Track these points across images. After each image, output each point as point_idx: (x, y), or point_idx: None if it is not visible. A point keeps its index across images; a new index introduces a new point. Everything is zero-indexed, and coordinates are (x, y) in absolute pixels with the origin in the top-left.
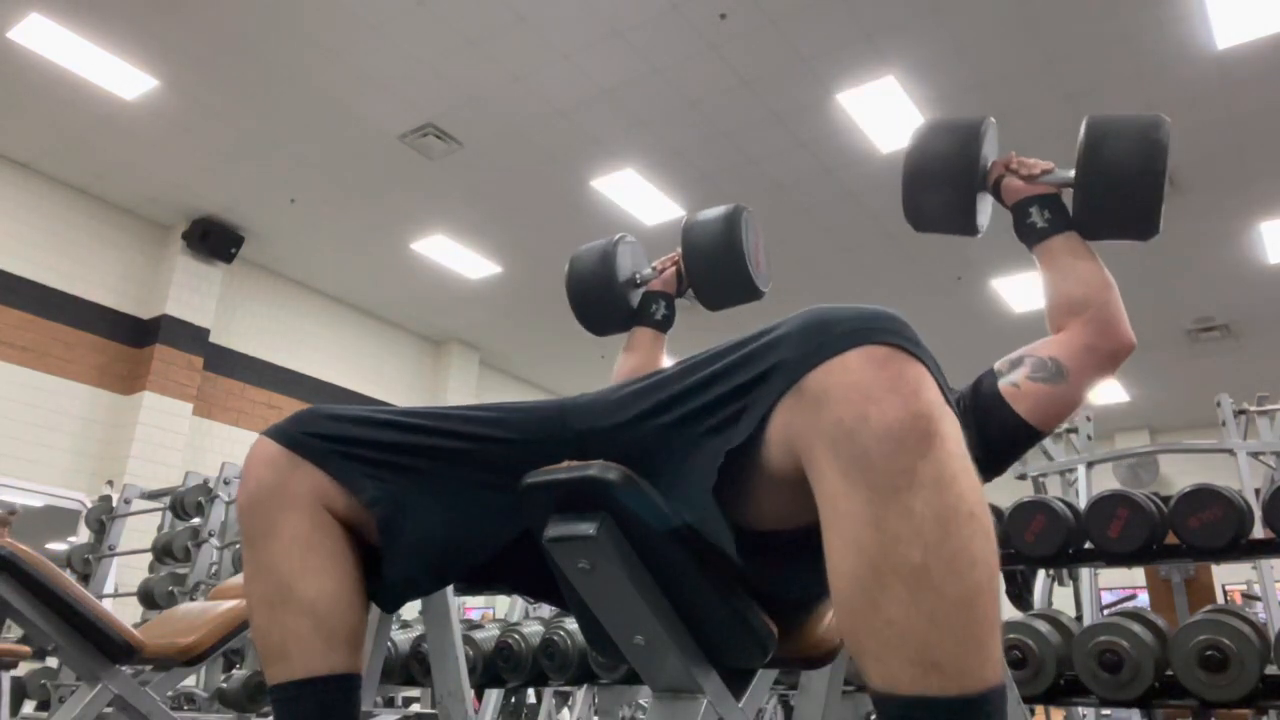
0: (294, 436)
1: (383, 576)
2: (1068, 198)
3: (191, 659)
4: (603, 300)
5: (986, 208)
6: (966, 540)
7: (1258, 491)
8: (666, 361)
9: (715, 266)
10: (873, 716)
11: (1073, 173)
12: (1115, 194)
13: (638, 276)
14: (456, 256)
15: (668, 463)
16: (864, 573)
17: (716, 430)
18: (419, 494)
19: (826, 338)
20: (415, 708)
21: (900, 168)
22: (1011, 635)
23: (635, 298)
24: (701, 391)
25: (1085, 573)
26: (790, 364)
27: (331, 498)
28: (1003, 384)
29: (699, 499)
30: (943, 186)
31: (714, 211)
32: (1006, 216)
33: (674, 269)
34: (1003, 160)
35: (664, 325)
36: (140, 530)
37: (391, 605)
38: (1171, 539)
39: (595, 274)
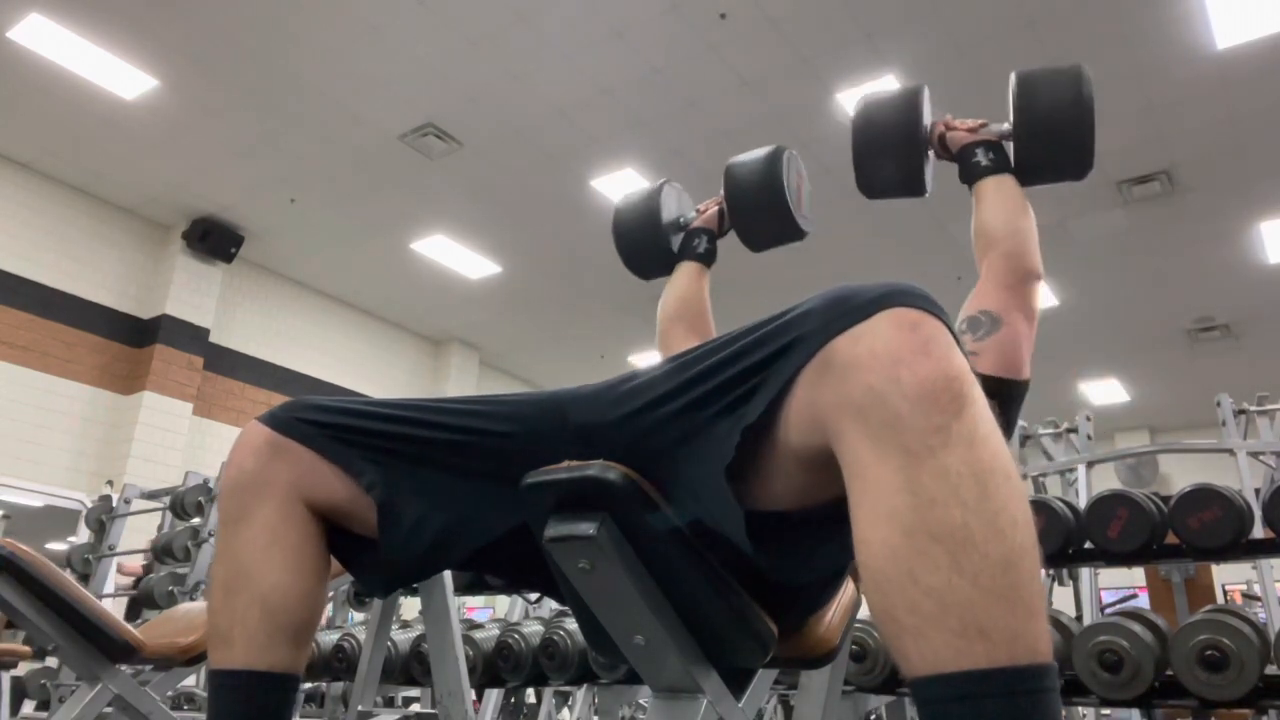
0: (286, 422)
1: (377, 561)
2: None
3: (191, 659)
4: (648, 241)
5: (931, 169)
6: (1006, 499)
7: (1258, 491)
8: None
9: (756, 203)
10: (873, 716)
11: (1007, 125)
12: (1051, 137)
13: (681, 219)
14: (456, 256)
15: (675, 450)
16: (898, 541)
17: (728, 410)
18: (413, 480)
19: (851, 306)
20: (415, 708)
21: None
22: None
23: (679, 241)
24: (711, 376)
25: (1085, 573)
26: (812, 335)
27: (312, 489)
28: None
29: (710, 481)
30: (893, 155)
31: (757, 151)
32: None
33: (716, 209)
34: (941, 121)
35: (707, 259)
36: (140, 530)
37: (383, 590)
38: (1171, 539)
39: (640, 215)
